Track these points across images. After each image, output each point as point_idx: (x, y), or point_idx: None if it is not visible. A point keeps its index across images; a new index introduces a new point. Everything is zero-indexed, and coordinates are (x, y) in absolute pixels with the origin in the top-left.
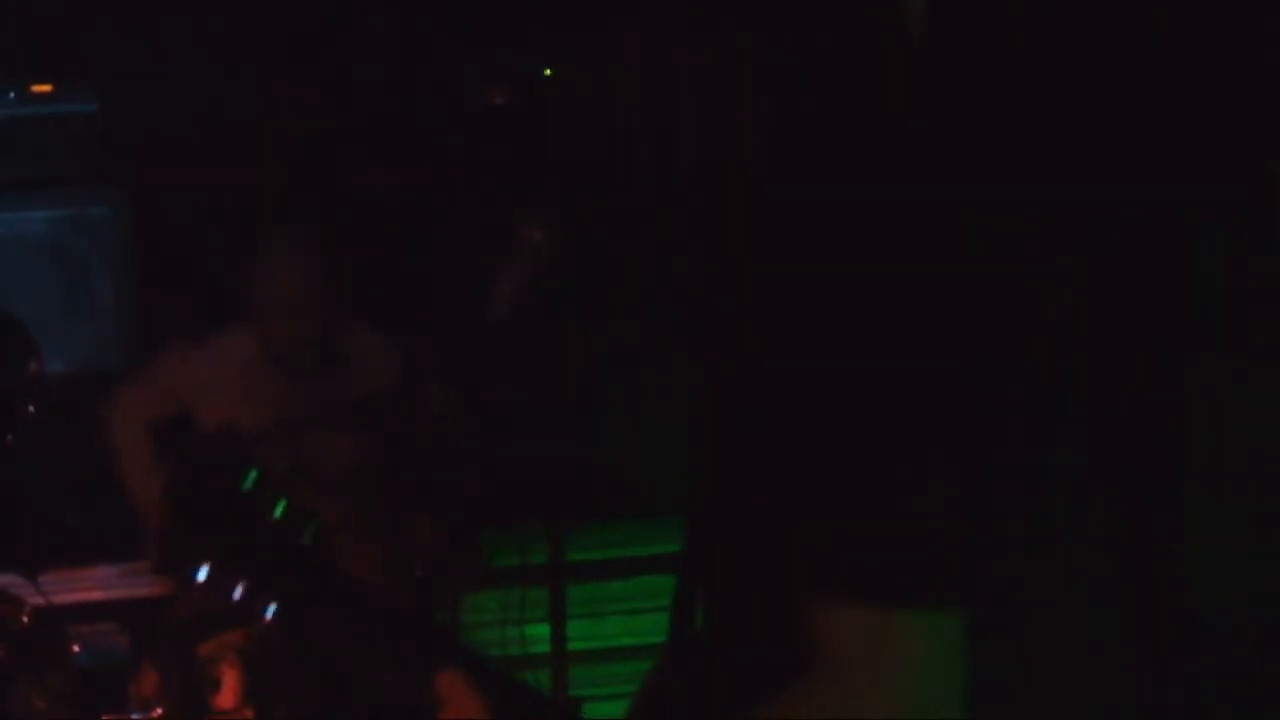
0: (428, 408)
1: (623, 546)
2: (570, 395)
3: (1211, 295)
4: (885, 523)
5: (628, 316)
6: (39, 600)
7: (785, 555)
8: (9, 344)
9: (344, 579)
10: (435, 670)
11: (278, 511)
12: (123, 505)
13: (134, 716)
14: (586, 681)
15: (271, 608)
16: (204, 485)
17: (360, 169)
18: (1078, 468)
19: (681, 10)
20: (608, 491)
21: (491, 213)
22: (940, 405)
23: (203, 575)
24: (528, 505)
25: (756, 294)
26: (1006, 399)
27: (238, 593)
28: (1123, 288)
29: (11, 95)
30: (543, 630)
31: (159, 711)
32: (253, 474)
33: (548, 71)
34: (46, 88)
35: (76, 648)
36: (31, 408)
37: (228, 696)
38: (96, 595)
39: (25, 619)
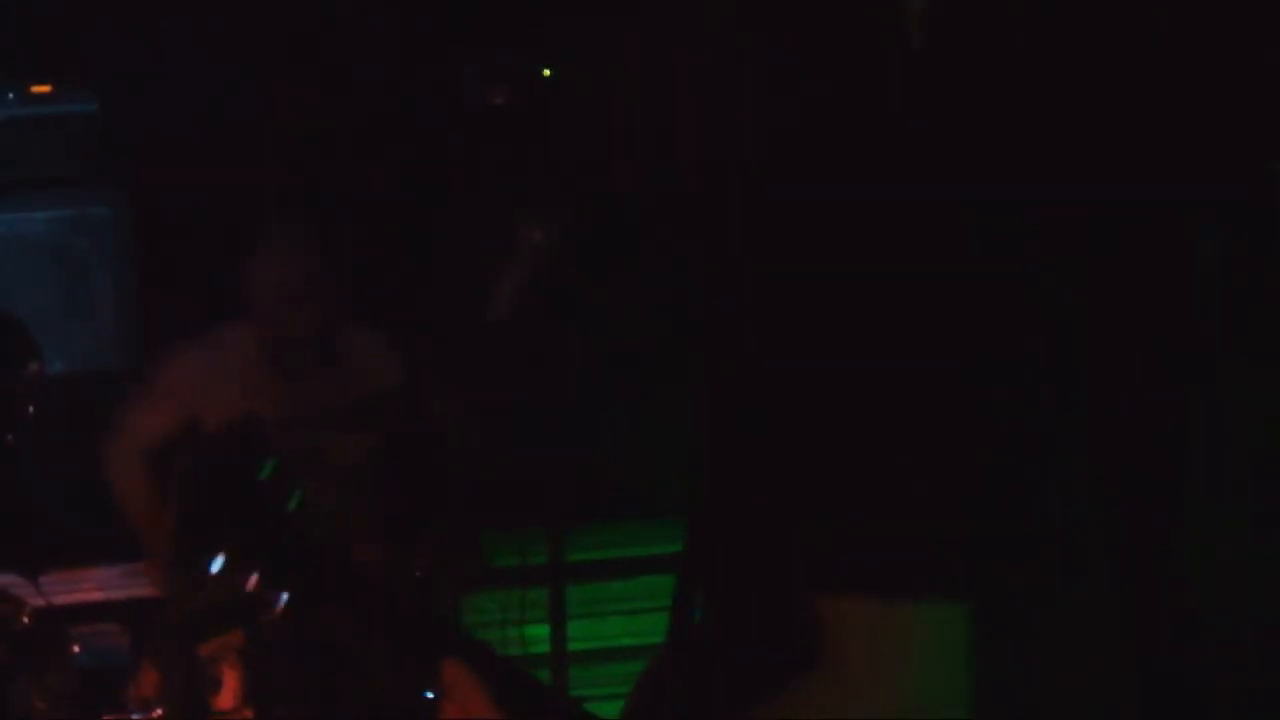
0: (428, 408)
1: (623, 546)
2: (570, 395)
3: (1211, 295)
4: (887, 516)
5: (628, 316)
6: (39, 600)
7: (786, 554)
8: (9, 344)
9: (356, 574)
10: (438, 662)
11: (293, 503)
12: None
13: (134, 716)
14: (586, 681)
15: (284, 597)
16: (220, 473)
17: (360, 169)
18: (1077, 467)
19: (681, 10)
20: (608, 491)
21: (491, 213)
22: (940, 403)
23: (217, 566)
24: (528, 505)
25: (757, 293)
26: (1006, 398)
27: (250, 584)
28: (1123, 288)
29: (11, 96)
30: (543, 630)
31: (159, 711)
32: (271, 462)
33: (548, 71)
34: (46, 88)
35: (76, 648)
36: (31, 408)
37: (228, 696)
38: (96, 595)
39: (25, 619)
